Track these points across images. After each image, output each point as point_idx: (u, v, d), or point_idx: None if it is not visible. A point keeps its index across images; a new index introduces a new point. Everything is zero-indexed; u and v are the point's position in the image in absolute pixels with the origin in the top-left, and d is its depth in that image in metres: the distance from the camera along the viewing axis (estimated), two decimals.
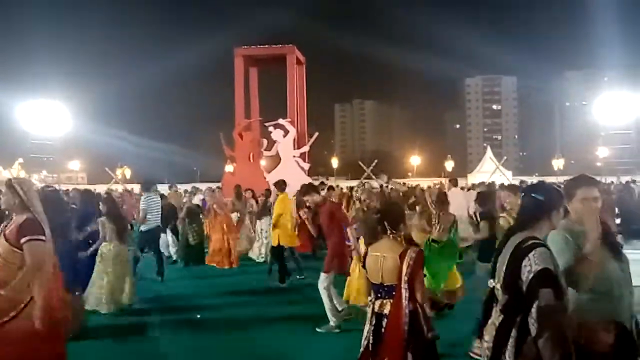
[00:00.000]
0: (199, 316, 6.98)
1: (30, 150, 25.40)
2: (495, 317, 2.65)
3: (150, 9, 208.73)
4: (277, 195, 9.26)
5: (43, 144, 25.41)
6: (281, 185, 9.18)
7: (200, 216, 11.52)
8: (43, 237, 3.57)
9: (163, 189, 14.25)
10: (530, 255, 2.47)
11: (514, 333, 2.51)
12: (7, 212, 4.26)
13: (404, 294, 3.30)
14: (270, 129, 23.43)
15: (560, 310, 2.42)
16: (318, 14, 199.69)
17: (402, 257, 3.37)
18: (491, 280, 2.75)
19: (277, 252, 8.73)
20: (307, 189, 7.14)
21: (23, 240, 3.48)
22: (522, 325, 2.50)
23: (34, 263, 3.47)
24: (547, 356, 2.37)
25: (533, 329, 2.42)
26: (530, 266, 2.45)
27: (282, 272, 8.65)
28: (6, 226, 3.63)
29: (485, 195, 6.35)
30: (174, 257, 11.31)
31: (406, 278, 3.31)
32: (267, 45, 26.34)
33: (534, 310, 2.41)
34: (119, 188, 23.57)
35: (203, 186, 18.00)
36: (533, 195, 2.70)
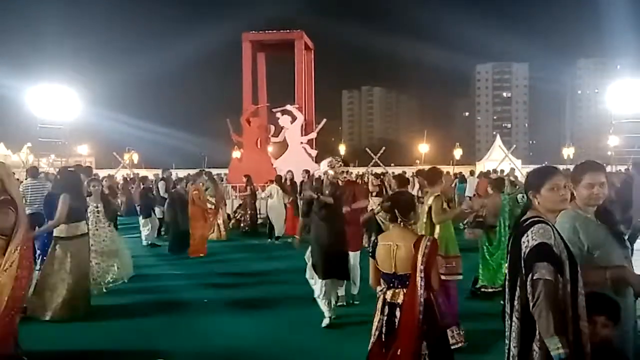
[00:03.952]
0: (206, 300, 7.00)
1: (38, 134, 25.47)
2: (509, 307, 2.65)
3: None
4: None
5: (51, 128, 25.47)
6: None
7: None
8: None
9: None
10: (529, 231, 2.51)
11: (517, 315, 2.53)
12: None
13: (420, 282, 3.23)
14: (278, 115, 23.30)
15: (556, 284, 2.42)
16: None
17: (416, 245, 3.31)
18: (506, 265, 2.77)
19: None
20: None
21: None
22: (525, 308, 2.49)
23: None
24: (543, 330, 2.37)
25: (530, 304, 2.43)
26: (528, 242, 2.49)
27: None
28: None
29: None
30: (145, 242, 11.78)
31: (422, 267, 3.25)
32: (275, 31, 26.09)
33: (528, 283, 2.43)
34: (126, 173, 23.63)
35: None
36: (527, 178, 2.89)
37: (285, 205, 12.69)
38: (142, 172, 20.45)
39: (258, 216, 14.49)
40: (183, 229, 10.73)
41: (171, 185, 12.77)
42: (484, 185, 10.74)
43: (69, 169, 7.60)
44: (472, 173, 19.24)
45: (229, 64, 36.83)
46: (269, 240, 12.41)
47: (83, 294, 6.36)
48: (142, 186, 13.00)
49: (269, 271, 9.02)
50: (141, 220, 12.14)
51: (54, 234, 6.25)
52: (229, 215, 14.72)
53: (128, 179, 21.73)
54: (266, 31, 26.14)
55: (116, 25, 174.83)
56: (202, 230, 10.80)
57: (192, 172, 17.18)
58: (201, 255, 10.51)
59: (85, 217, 6.63)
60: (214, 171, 18.31)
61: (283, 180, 13.26)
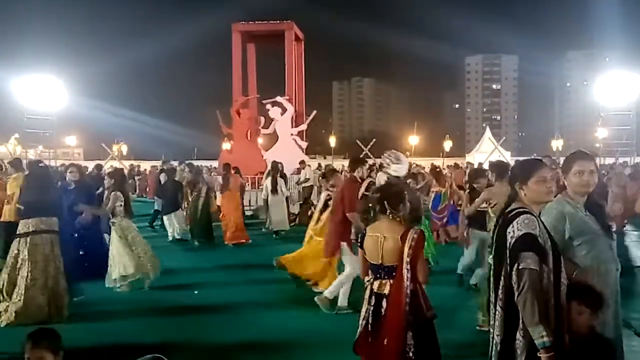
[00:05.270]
0: (196, 292, 7.02)
1: (26, 125, 25.10)
2: (493, 297, 2.70)
3: None
4: None
5: (39, 119, 25.13)
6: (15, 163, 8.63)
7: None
8: None
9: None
10: (514, 222, 2.55)
11: (500, 304, 2.57)
12: None
13: (406, 274, 3.28)
14: (268, 106, 23.16)
15: (540, 273, 2.46)
16: None
17: (403, 238, 3.33)
18: (491, 256, 2.79)
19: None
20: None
21: None
22: (509, 297, 2.53)
23: None
24: (527, 319, 2.42)
25: (516, 294, 2.48)
26: (514, 232, 2.53)
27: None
28: None
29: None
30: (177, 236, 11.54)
31: (408, 259, 3.28)
32: (265, 21, 25.91)
33: (514, 273, 2.47)
34: (116, 164, 23.48)
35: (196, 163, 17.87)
36: (509, 172, 2.99)
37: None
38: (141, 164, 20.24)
39: (245, 209, 14.48)
40: (210, 219, 11.28)
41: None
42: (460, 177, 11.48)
43: (40, 164, 7.28)
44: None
45: (218, 55, 36.62)
46: (264, 229, 12.47)
47: (49, 296, 5.70)
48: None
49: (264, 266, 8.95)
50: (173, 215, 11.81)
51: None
52: (219, 206, 14.66)
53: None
54: (256, 22, 25.97)
55: (104, 16, 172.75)
56: (236, 218, 11.10)
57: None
58: (242, 242, 10.84)
59: (48, 214, 5.89)
60: (205, 163, 18.23)
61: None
